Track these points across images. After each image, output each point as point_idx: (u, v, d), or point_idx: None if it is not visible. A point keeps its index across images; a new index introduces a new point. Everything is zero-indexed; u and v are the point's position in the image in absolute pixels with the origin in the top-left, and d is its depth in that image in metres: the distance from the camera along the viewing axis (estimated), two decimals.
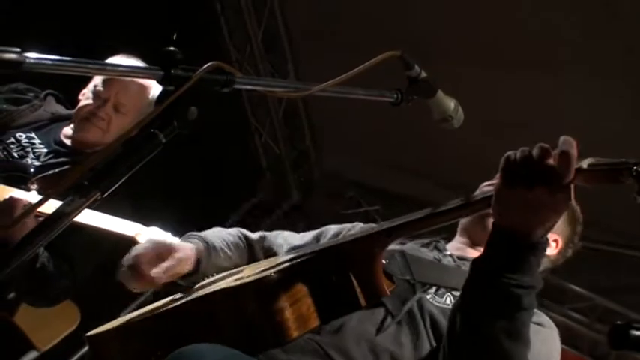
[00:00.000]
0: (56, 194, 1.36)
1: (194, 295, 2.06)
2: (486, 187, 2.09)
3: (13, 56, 1.22)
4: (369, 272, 1.93)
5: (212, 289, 2.02)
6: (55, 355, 3.51)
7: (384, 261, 2.01)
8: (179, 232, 2.65)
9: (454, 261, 2.29)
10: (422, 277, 2.09)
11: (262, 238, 2.51)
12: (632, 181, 1.48)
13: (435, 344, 1.95)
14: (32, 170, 3.15)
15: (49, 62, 1.29)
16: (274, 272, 1.88)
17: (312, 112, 7.18)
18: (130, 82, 3.23)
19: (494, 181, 1.75)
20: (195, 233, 2.39)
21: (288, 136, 7.36)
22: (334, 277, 1.93)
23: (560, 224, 2.30)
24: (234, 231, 2.50)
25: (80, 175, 1.38)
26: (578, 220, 2.49)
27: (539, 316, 2.06)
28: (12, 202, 2.79)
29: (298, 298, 1.85)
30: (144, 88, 3.25)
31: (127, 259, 2.15)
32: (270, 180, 7.59)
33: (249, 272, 2.18)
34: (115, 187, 1.38)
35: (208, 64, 1.45)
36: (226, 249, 2.37)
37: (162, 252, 2.17)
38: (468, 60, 5.43)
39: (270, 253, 2.45)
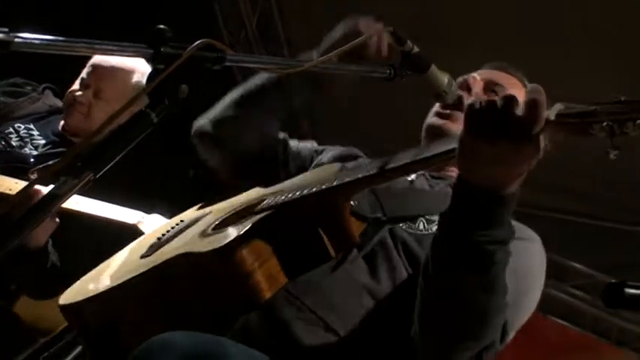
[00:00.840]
0: (46, 180, 1.36)
1: (155, 259, 2.04)
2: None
3: (0, 36, 1.20)
4: (336, 222, 1.89)
5: (177, 251, 1.98)
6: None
7: (352, 202, 1.95)
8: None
9: (427, 180, 2.23)
10: (393, 211, 2.01)
11: (285, 144, 2.50)
12: (604, 135, 1.37)
13: (411, 272, 1.91)
14: (32, 160, 3.17)
15: (38, 42, 1.28)
16: (239, 234, 1.83)
17: None
18: (112, 68, 3.27)
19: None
20: None
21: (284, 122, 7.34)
22: (300, 231, 1.89)
23: None
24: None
25: (72, 158, 1.37)
26: None
27: (522, 230, 2.01)
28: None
29: (266, 258, 1.83)
30: (125, 74, 3.27)
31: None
32: None
33: (215, 216, 2.16)
34: (109, 166, 1.37)
35: (199, 41, 1.44)
36: None
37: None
38: (459, 42, 5.42)
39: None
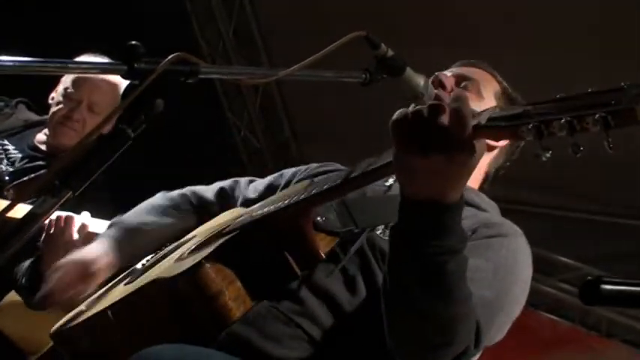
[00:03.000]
0: (27, 198, 1.36)
1: (133, 286, 2.06)
2: None
3: None
4: (299, 240, 1.89)
5: (148, 278, 2.01)
6: None
7: (319, 219, 1.95)
8: None
9: None
10: (366, 222, 1.99)
11: (220, 194, 2.49)
12: (533, 138, 1.31)
13: None
14: (7, 178, 3.15)
15: (10, 64, 1.29)
16: (205, 257, 1.85)
17: (289, 102, 7.18)
18: (100, 80, 3.24)
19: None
20: (118, 219, 2.40)
21: (266, 129, 7.35)
22: (264, 250, 1.90)
23: None
24: (179, 194, 2.51)
25: (51, 176, 1.38)
26: (516, 100, 2.30)
27: (499, 226, 2.00)
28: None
29: (232, 279, 1.84)
30: (115, 86, 3.26)
31: (41, 294, 2.18)
32: (251, 174, 7.57)
33: (197, 239, 2.18)
34: (86, 185, 1.38)
35: (172, 55, 1.44)
36: (162, 219, 2.39)
37: (76, 275, 2.18)
38: (437, 40, 5.45)
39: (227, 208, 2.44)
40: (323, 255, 1.90)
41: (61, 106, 3.27)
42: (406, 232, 1.58)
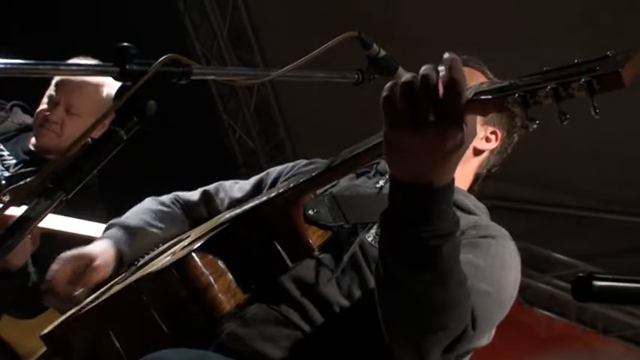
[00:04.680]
0: (19, 202, 1.36)
1: (125, 283, 2.04)
2: None
3: None
4: (289, 232, 1.88)
5: (137, 276, 2.00)
6: None
7: (310, 212, 1.93)
8: None
9: None
10: (356, 218, 1.97)
11: (205, 196, 2.48)
12: (519, 109, 1.29)
13: None
14: (3, 182, 3.15)
15: (1, 66, 1.29)
16: (194, 249, 1.83)
17: (283, 103, 7.18)
18: (80, 82, 3.22)
19: None
20: (115, 221, 2.39)
21: (261, 130, 7.35)
22: (255, 242, 1.89)
23: (493, 115, 2.13)
24: (167, 198, 2.49)
25: (44, 179, 1.38)
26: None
27: (487, 228, 1.98)
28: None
29: (222, 272, 1.83)
30: (95, 87, 3.25)
31: (44, 284, 2.15)
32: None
33: (190, 238, 2.17)
34: (80, 186, 1.38)
35: (164, 56, 1.44)
36: (155, 221, 2.37)
37: (79, 266, 2.17)
38: (435, 41, 5.45)
39: (214, 211, 2.43)
40: (315, 247, 1.90)
41: (43, 107, 3.28)
42: (398, 217, 1.56)
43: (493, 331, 1.96)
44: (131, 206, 2.50)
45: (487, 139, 2.23)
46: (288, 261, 1.88)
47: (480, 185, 2.27)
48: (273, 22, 6.61)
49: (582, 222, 6.66)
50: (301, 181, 1.89)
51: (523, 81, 1.32)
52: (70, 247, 2.96)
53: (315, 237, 1.92)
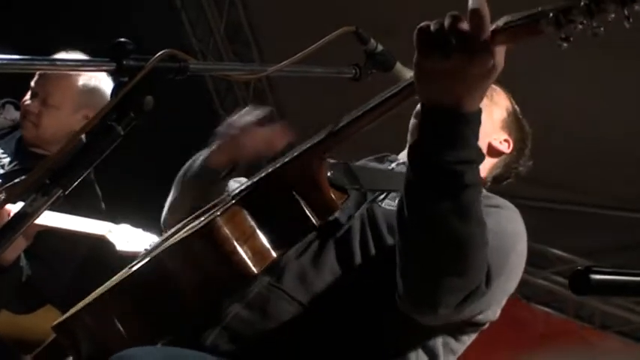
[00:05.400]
0: (15, 199, 1.36)
1: (146, 259, 2.01)
2: None
3: None
4: (314, 188, 1.87)
5: (161, 249, 1.98)
6: None
7: (329, 174, 1.94)
8: (154, 229, 2.65)
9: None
10: (370, 184, 2.02)
11: None
12: (552, 29, 1.37)
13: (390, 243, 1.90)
14: None
15: None
16: (219, 213, 1.82)
17: (280, 98, 7.18)
18: (58, 74, 3.22)
19: None
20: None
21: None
22: (280, 203, 1.87)
23: (510, 127, 2.28)
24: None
25: (40, 176, 1.38)
26: (527, 134, 2.36)
27: (495, 199, 2.02)
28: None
29: (250, 233, 1.81)
30: (71, 78, 3.25)
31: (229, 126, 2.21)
32: (243, 170, 7.58)
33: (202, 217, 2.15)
34: (77, 182, 1.38)
35: (161, 52, 1.44)
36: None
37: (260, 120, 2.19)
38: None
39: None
40: (339, 205, 1.89)
41: (25, 98, 3.29)
42: (424, 141, 1.61)
43: (501, 305, 1.96)
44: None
45: (501, 143, 2.28)
46: (314, 219, 1.86)
47: None
48: (270, 18, 6.60)
49: (580, 218, 6.67)
50: (326, 133, 1.89)
51: (552, 5, 1.39)
52: (64, 243, 2.97)
53: (334, 195, 1.90)
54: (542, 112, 5.14)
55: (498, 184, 2.35)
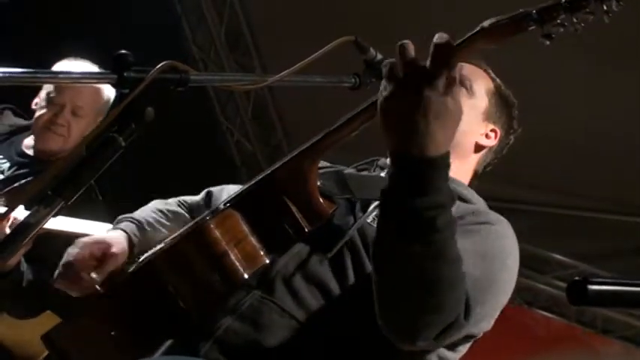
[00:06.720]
0: (16, 204, 1.36)
1: (136, 266, 2.03)
2: None
3: None
4: (304, 194, 1.88)
5: (152, 252, 2.00)
6: None
7: (319, 183, 1.94)
8: None
9: None
10: (362, 193, 2.01)
11: (208, 197, 2.47)
12: (535, 25, 1.49)
13: None
14: None
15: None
16: (209, 217, 1.84)
17: (281, 105, 7.19)
18: (84, 85, 3.23)
19: None
20: (125, 215, 2.38)
21: (259, 133, 7.36)
22: (270, 207, 1.89)
23: (494, 113, 2.25)
24: (173, 200, 2.49)
25: (43, 185, 1.39)
26: (513, 106, 2.32)
27: (485, 215, 2.01)
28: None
29: (241, 238, 1.82)
30: (98, 89, 3.27)
31: (60, 268, 2.13)
32: (245, 177, 7.60)
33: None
34: (79, 194, 1.39)
35: (161, 64, 1.45)
36: (162, 219, 2.36)
37: (96, 252, 2.14)
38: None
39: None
40: (329, 212, 1.90)
41: (44, 110, 3.26)
42: (393, 188, 1.60)
43: (493, 318, 1.95)
44: (131, 211, 2.50)
45: (487, 136, 2.25)
46: (304, 224, 1.88)
47: (479, 186, 2.29)
48: (271, 27, 6.60)
49: (582, 223, 6.66)
50: (312, 141, 1.92)
51: (536, 8, 1.50)
52: (64, 246, 2.98)
53: (324, 203, 1.91)
54: (543, 120, 5.16)
55: (491, 166, 2.35)
